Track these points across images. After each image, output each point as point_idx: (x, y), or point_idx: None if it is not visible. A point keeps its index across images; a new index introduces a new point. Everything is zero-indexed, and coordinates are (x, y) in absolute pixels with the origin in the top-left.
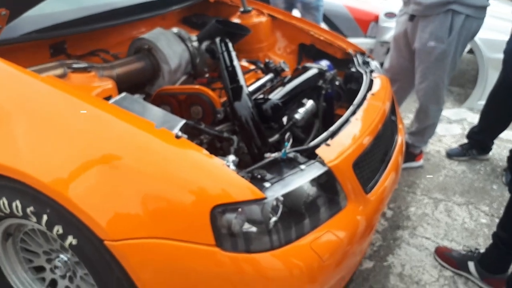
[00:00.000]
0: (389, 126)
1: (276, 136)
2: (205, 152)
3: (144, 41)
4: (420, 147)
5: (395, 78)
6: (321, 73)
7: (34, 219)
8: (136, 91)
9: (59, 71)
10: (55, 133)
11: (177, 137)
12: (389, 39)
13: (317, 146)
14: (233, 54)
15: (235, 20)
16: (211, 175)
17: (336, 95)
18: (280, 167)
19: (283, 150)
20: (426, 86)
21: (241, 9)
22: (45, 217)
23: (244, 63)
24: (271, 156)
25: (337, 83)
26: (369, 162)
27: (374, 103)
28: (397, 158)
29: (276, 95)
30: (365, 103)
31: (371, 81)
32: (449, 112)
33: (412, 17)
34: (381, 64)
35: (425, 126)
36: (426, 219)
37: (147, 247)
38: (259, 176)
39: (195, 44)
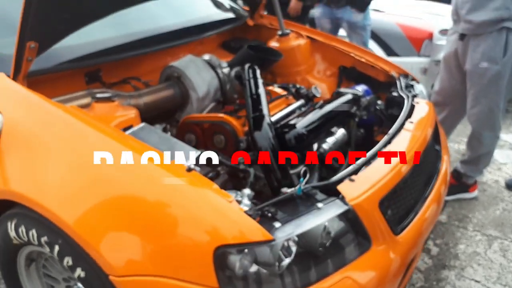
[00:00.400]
0: (430, 157)
1: (299, 168)
2: (215, 187)
3: (174, 69)
4: (474, 177)
5: (445, 102)
6: (355, 99)
7: (47, 248)
8: (167, 118)
9: (85, 100)
10: (68, 165)
11: (189, 170)
12: None
13: (340, 181)
14: (260, 81)
15: (273, 43)
16: (216, 213)
17: (377, 121)
18: (296, 205)
19: (297, 186)
20: (479, 111)
21: (279, 32)
22: (57, 248)
23: (277, 89)
24: (286, 192)
25: (378, 107)
26: (402, 199)
27: (412, 132)
28: (439, 189)
29: (302, 123)
30: (402, 132)
31: (412, 107)
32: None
33: (462, 36)
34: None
35: (479, 155)
36: (477, 259)
37: (151, 285)
38: (269, 215)
39: (226, 70)
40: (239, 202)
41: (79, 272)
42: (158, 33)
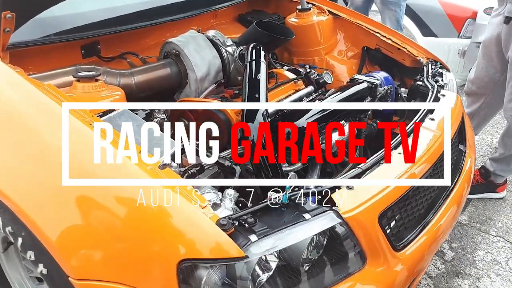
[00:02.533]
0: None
1: (297, 165)
2: (189, 188)
3: (172, 45)
4: (503, 176)
5: (480, 92)
6: (371, 88)
7: (11, 239)
8: (164, 98)
9: (70, 78)
10: (33, 153)
11: (163, 166)
12: None
13: (335, 188)
14: (262, 64)
15: (292, 19)
16: (184, 222)
17: (399, 112)
18: (280, 214)
19: (283, 194)
20: None
21: (299, 7)
22: (20, 240)
23: (286, 72)
24: (271, 198)
25: (401, 96)
26: (410, 209)
27: (430, 131)
28: (461, 190)
29: (304, 115)
30: (419, 130)
31: (437, 100)
32: None
33: (508, 19)
34: None
35: (511, 153)
36: (496, 269)
37: None
38: (246, 225)
39: (230, 49)
40: (217, 205)
41: (41, 268)
42: (163, 3)
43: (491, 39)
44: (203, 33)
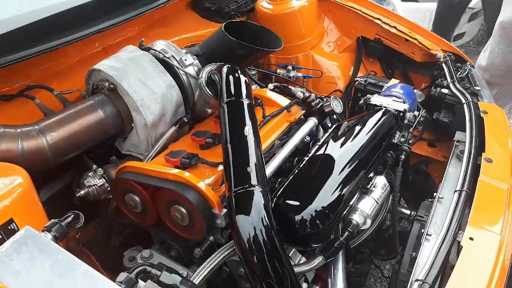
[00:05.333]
0: None
1: (317, 261)
2: None
3: (102, 75)
4: None
5: (495, 82)
6: (397, 117)
7: None
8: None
9: None
10: None
11: None
12: (475, 3)
13: None
14: (247, 105)
15: (265, 3)
16: None
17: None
18: None
19: None
20: None
21: None
22: None
23: (271, 93)
24: None
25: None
26: None
27: (495, 184)
28: None
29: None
30: (478, 185)
31: (480, 121)
32: None
33: None
34: None
35: None
36: None
37: None
38: None
39: (192, 70)
40: None
41: None
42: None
43: (510, 19)
44: (147, 47)
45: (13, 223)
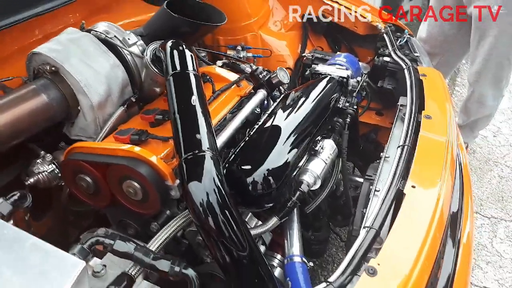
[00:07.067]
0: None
1: (272, 222)
2: None
3: (43, 58)
4: (466, 143)
5: (434, 52)
6: (341, 83)
7: None
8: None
9: None
10: None
11: None
12: None
13: (351, 277)
14: (193, 76)
15: None
16: None
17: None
18: None
19: None
20: (484, 68)
21: None
22: None
23: (220, 69)
24: None
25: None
26: None
27: (434, 138)
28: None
29: (277, 149)
30: (419, 139)
31: (419, 83)
32: None
33: None
34: None
35: (477, 118)
36: (483, 254)
37: None
38: None
39: (137, 49)
40: None
41: None
42: None
43: None
44: (88, 29)
45: None
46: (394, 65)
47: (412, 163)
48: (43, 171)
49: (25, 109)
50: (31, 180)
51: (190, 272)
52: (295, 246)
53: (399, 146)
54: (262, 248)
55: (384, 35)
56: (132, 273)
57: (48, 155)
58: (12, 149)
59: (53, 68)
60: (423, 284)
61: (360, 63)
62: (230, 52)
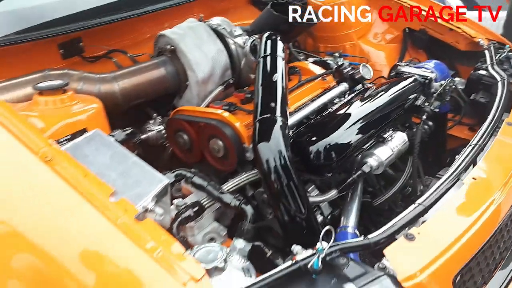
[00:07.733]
0: None
1: (331, 193)
2: (177, 251)
3: (166, 39)
4: None
5: None
6: (423, 84)
7: None
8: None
9: (29, 90)
10: None
11: (140, 217)
12: None
13: (389, 238)
14: (280, 60)
15: None
16: None
17: (453, 107)
18: (311, 285)
19: (314, 258)
20: None
21: None
22: None
23: (311, 65)
24: (296, 259)
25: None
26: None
27: (508, 141)
28: None
29: (338, 127)
30: (494, 142)
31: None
32: None
33: None
34: None
35: None
36: None
37: None
38: None
39: (240, 40)
40: (221, 270)
41: None
42: None
43: None
44: (205, 22)
45: (86, 132)
46: (489, 79)
47: (481, 161)
48: (153, 130)
49: (146, 77)
50: (143, 136)
51: (248, 208)
52: (350, 220)
53: (470, 145)
54: (320, 218)
55: (485, 51)
56: (203, 203)
57: (159, 117)
58: (133, 109)
59: (172, 47)
60: (461, 262)
61: (457, 79)
62: (328, 59)
